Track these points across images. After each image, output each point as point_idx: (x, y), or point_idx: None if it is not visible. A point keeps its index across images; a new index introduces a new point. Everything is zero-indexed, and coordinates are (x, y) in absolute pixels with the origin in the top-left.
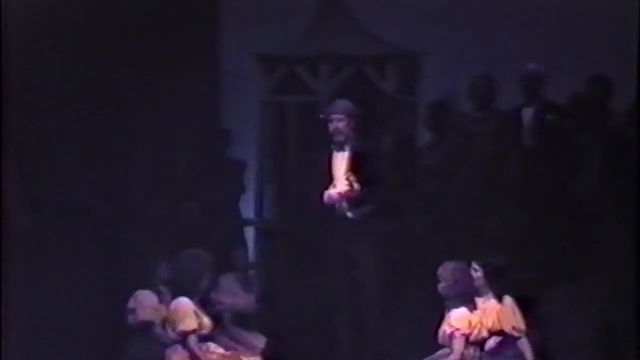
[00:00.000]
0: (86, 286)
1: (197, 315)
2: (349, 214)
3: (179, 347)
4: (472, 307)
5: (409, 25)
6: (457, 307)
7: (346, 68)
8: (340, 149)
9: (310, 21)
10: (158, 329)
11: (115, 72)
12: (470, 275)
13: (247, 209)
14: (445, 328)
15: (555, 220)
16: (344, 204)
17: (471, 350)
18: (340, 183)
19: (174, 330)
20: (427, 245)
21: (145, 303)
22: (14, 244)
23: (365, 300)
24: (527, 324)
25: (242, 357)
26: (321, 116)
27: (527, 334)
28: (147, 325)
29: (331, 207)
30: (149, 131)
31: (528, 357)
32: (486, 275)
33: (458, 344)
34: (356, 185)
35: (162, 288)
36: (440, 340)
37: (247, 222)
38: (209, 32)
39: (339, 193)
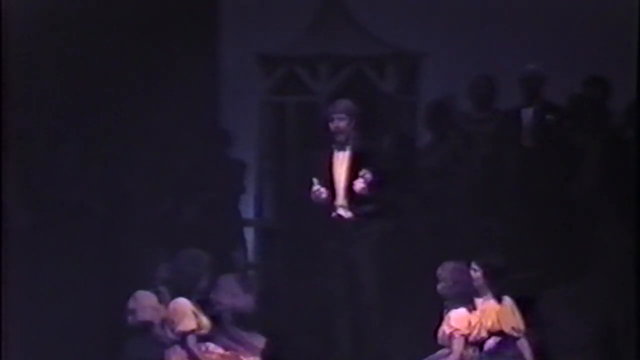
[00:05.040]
0: (86, 286)
1: (196, 316)
2: (349, 214)
3: (178, 348)
4: (472, 307)
5: (409, 25)
6: (456, 307)
7: (346, 68)
8: (342, 148)
9: (310, 21)
10: (157, 330)
11: (115, 72)
12: (469, 276)
13: (247, 209)
14: (444, 328)
15: (555, 220)
16: (345, 203)
17: (470, 350)
18: (357, 180)
19: (172, 330)
20: (427, 245)
21: (144, 303)
22: (13, 244)
23: (364, 300)
24: (527, 325)
25: (241, 357)
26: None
27: (527, 335)
28: (147, 326)
29: (331, 207)
30: (149, 131)
31: (527, 358)
32: (485, 275)
33: (457, 345)
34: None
35: (162, 288)
36: (439, 341)
37: (246, 222)
38: (209, 32)
39: (325, 191)
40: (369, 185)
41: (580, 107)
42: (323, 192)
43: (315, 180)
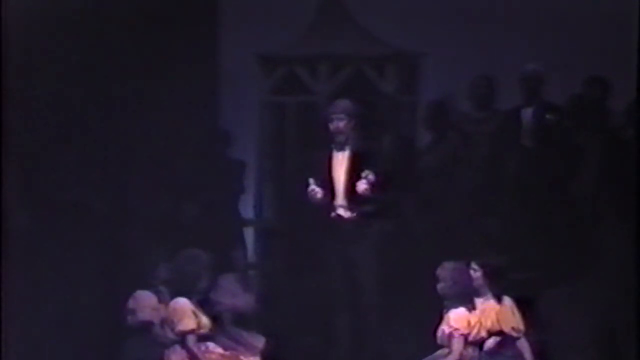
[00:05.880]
0: (85, 286)
1: (196, 315)
2: (349, 214)
3: (177, 347)
4: (471, 307)
5: (409, 25)
6: (456, 307)
7: (346, 68)
8: (341, 148)
9: (310, 21)
10: (157, 329)
11: (115, 73)
12: (469, 276)
13: (247, 209)
14: (444, 328)
15: (555, 220)
16: (345, 203)
17: (470, 350)
18: (359, 181)
19: (172, 330)
20: (426, 245)
21: (144, 303)
22: (13, 244)
23: (364, 300)
24: (527, 324)
25: (241, 357)
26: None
27: (527, 335)
28: (146, 326)
29: (331, 207)
30: (149, 131)
31: (527, 358)
32: (485, 275)
33: (457, 344)
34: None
35: (162, 288)
36: (439, 341)
37: (246, 222)
38: (209, 32)
39: (321, 191)
40: (372, 185)
41: (580, 107)
42: (318, 192)
43: (311, 180)
